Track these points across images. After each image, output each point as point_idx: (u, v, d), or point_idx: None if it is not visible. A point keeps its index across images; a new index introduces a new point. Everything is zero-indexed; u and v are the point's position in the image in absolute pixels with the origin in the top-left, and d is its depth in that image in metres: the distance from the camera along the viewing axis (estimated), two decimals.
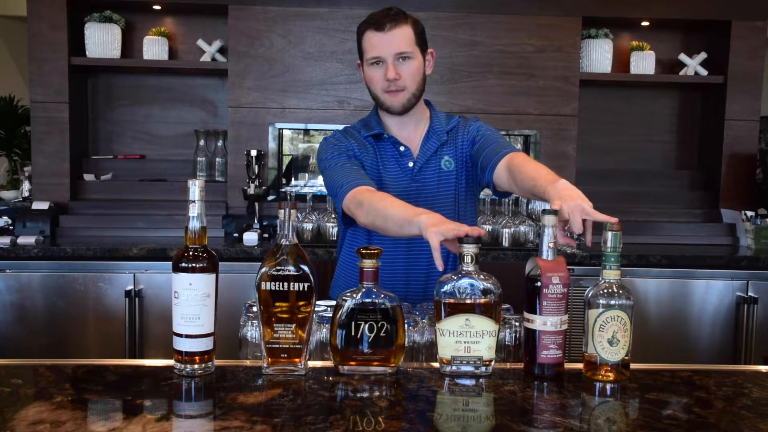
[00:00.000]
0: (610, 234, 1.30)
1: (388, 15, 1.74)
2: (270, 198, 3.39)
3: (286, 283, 1.28)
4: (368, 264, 1.31)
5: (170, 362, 1.33)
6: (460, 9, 3.39)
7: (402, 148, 1.85)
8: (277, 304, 1.28)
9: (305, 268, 1.28)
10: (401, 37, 1.74)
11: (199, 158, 3.52)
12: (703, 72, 3.57)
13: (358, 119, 1.96)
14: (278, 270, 1.28)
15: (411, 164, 1.84)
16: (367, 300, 1.30)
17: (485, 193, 3.22)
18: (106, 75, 3.56)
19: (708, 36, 3.69)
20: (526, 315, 1.33)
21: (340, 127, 1.98)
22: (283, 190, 3.41)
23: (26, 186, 3.50)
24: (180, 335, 1.29)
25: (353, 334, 1.30)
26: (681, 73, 3.61)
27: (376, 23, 1.74)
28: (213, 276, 1.30)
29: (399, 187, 1.81)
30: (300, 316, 1.29)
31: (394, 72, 1.74)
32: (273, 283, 1.28)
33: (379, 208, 1.63)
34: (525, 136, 3.58)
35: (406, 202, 1.65)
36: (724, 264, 3.00)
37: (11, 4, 4.16)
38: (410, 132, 1.87)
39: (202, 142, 3.52)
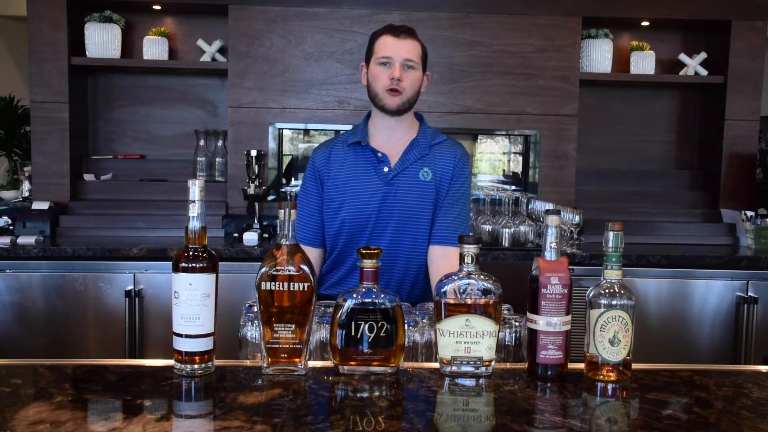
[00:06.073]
0: (611, 234, 1.30)
1: (403, 27, 1.97)
2: (270, 198, 3.39)
3: (286, 283, 1.28)
4: (368, 264, 1.31)
5: (170, 362, 1.33)
6: (460, 9, 3.39)
7: (380, 155, 1.99)
8: (277, 304, 1.28)
9: (305, 268, 1.28)
10: (412, 47, 1.94)
11: (199, 158, 3.52)
12: (703, 72, 3.57)
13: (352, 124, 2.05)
14: (278, 270, 1.28)
15: (386, 169, 1.97)
16: (367, 300, 1.30)
17: (485, 193, 3.22)
18: (106, 75, 3.56)
19: (708, 36, 3.69)
20: (528, 315, 1.33)
21: (340, 127, 2.04)
22: (283, 190, 3.41)
23: (26, 186, 3.50)
24: (180, 335, 1.29)
25: (353, 334, 1.30)
26: (681, 73, 3.61)
27: (393, 30, 1.95)
28: (213, 276, 1.30)
29: (372, 190, 1.95)
30: (300, 316, 1.29)
31: (399, 72, 1.91)
32: (273, 283, 1.28)
33: None
34: (525, 136, 3.58)
35: (380, 205, 1.92)
36: (724, 264, 3.00)
37: (11, 4, 4.16)
38: (396, 139, 2.01)
39: (202, 142, 3.52)
